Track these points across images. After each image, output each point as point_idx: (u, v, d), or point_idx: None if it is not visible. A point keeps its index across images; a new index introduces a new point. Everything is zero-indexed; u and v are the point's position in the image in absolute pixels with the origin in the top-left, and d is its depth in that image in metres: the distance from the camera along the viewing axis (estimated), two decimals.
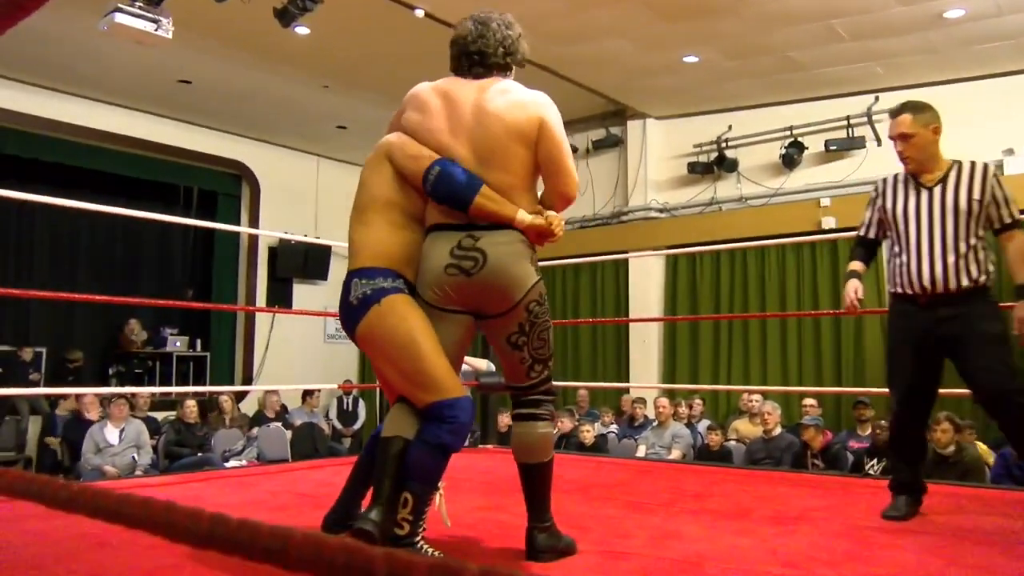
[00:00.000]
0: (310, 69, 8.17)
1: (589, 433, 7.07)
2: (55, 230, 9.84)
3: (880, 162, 8.17)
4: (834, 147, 8.35)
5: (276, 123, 10.06)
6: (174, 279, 11.05)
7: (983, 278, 2.75)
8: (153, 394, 8.97)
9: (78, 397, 7.98)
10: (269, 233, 10.17)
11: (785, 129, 8.71)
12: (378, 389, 7.66)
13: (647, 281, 9.52)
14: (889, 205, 2.93)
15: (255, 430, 8.19)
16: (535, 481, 2.24)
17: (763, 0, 6.48)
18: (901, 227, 2.87)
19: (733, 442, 7.08)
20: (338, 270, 10.61)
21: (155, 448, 7.46)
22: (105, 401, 7.50)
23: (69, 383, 8.96)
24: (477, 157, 2.16)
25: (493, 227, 2.14)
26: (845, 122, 8.33)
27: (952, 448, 5.14)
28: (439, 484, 2.15)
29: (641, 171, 9.58)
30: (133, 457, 6.88)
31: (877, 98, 8.16)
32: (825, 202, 8.37)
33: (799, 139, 8.63)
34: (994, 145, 7.51)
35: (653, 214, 9.50)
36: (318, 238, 9.83)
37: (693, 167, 9.21)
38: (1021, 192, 3.42)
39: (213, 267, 10.89)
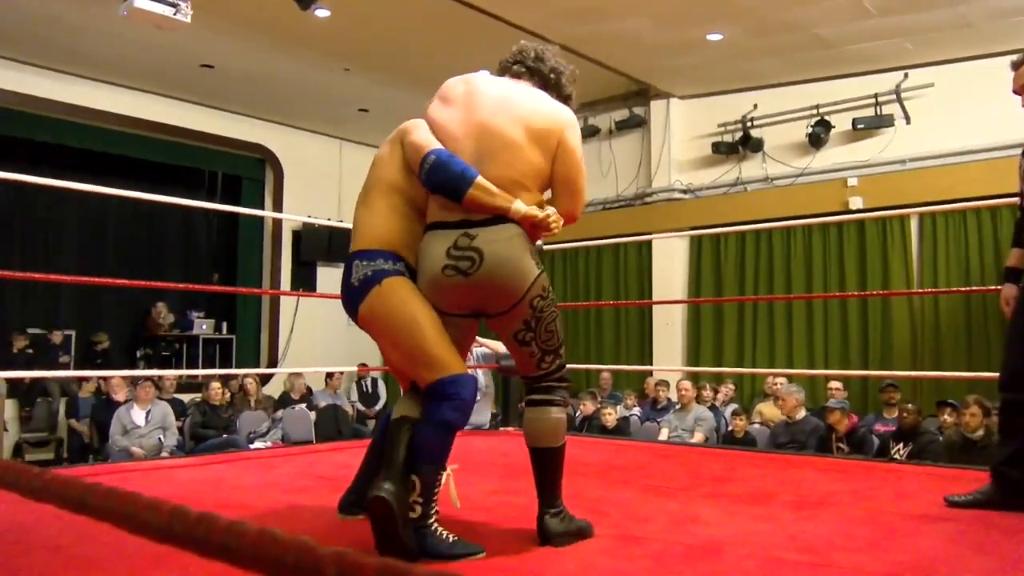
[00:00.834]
0: (331, 52, 8.16)
1: (611, 416, 7.04)
2: (83, 215, 9.99)
3: (910, 141, 8.01)
4: (861, 125, 8.19)
5: (299, 107, 10.08)
6: (200, 263, 11.17)
7: None
8: (179, 376, 9.09)
9: (105, 379, 8.11)
10: (293, 217, 10.22)
11: (811, 108, 8.55)
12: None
13: (671, 263, 9.44)
14: None
15: (280, 412, 8.28)
16: (546, 466, 2.22)
17: None
18: None
19: (757, 425, 7.02)
20: None
21: (181, 430, 7.57)
22: (132, 383, 7.62)
23: (96, 366, 9.11)
24: (482, 149, 2.14)
25: (490, 222, 2.10)
26: (873, 100, 8.16)
27: (981, 432, 5.05)
28: (447, 464, 2.14)
29: (665, 152, 9.47)
30: (159, 439, 6.99)
31: (906, 75, 7.97)
32: (852, 182, 8.22)
33: (825, 118, 8.47)
34: None
35: (677, 195, 9.40)
36: (341, 221, 9.85)
37: (717, 147, 9.09)
38: None
39: (238, 251, 11.00)
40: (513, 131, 2.13)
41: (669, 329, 9.36)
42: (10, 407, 8.64)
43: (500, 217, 2.10)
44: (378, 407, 9.88)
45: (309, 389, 9.30)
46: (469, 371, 2.16)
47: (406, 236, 2.23)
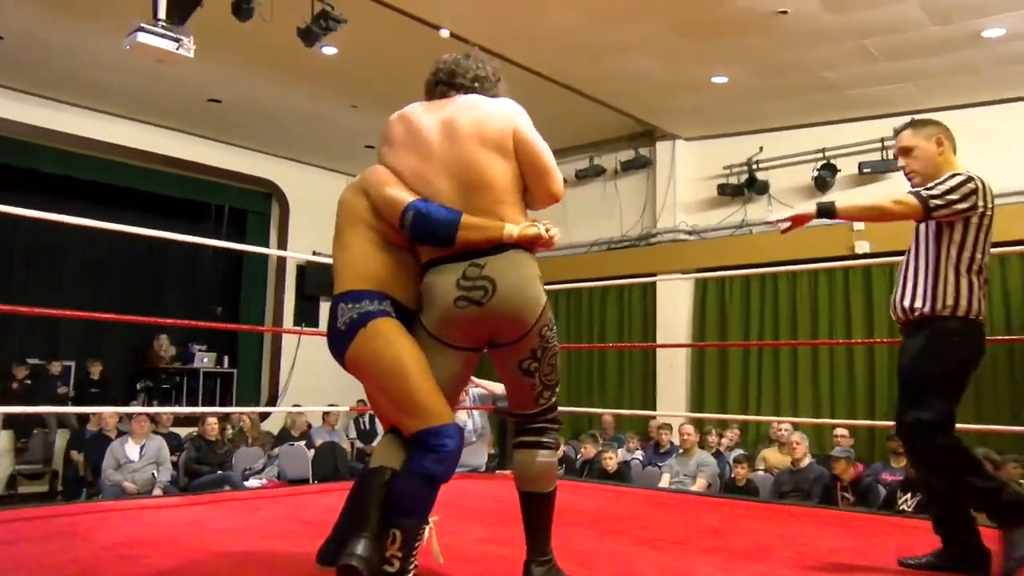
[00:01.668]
0: (338, 89, 8.21)
1: (612, 460, 6.90)
2: (87, 244, 10.02)
3: None
4: (868, 170, 8.15)
5: (305, 142, 10.14)
6: (203, 294, 11.15)
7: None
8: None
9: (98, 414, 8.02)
10: (296, 255, 10.20)
11: (817, 151, 8.52)
12: None
13: (675, 305, 9.35)
14: None
15: (276, 449, 8.17)
16: (535, 511, 2.16)
17: (793, 19, 6.33)
18: None
19: (761, 473, 6.87)
20: None
21: (175, 465, 7.46)
22: (126, 417, 7.54)
23: (91, 395, 9.04)
24: (458, 182, 2.09)
25: (495, 250, 2.06)
26: (880, 144, 8.12)
27: None
28: (429, 517, 2.05)
29: (670, 193, 9.44)
30: (153, 473, 6.88)
31: (913, 120, 7.93)
32: (859, 226, 8.14)
33: (832, 161, 8.44)
34: None
35: (682, 236, 9.35)
36: None
37: (723, 189, 9.06)
38: None
39: (242, 284, 11.00)
40: (474, 152, 2.08)
41: (673, 372, 9.23)
42: (5, 438, 8.56)
43: (502, 243, 2.06)
44: (375, 444, 9.75)
45: (309, 425, 9.20)
46: (462, 415, 2.09)
47: (388, 270, 2.16)
